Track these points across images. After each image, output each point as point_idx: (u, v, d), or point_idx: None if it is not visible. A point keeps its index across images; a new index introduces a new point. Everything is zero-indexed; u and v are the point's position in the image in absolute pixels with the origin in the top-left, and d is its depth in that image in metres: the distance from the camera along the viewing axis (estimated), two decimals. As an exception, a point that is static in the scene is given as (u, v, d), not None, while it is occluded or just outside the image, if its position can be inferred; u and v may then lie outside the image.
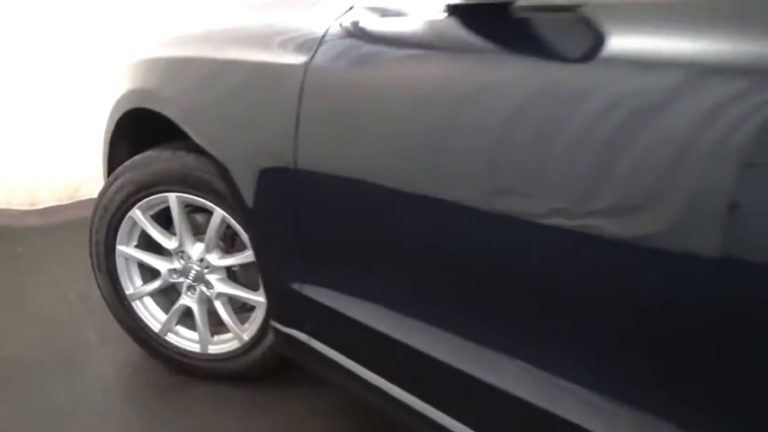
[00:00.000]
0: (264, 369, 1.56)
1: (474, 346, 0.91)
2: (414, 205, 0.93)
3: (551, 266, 0.78)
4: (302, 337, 1.23)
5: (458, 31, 0.89)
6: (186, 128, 1.32)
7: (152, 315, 1.62)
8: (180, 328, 1.61)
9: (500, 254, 0.84)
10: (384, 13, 1.01)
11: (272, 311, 1.29)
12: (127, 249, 1.56)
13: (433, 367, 0.96)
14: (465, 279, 0.90)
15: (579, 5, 0.76)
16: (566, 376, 0.79)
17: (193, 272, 1.52)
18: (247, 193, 1.20)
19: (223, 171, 1.24)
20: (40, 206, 2.76)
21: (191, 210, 1.52)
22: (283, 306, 1.25)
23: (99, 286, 1.63)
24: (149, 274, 1.60)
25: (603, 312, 0.74)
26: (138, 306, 1.62)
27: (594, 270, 0.74)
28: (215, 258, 1.49)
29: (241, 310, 1.57)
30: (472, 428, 0.93)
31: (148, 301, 1.62)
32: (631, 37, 0.72)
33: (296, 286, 1.18)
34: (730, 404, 0.65)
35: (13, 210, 2.73)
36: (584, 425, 0.76)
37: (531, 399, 0.83)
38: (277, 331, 1.30)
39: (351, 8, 1.06)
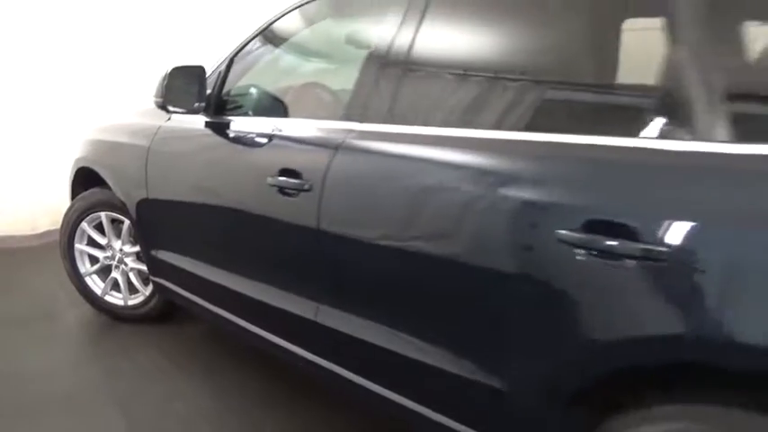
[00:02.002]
0: (160, 312, 2.72)
1: (240, 275, 2.00)
2: (199, 209, 2.08)
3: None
4: (162, 281, 2.40)
5: (206, 128, 2.07)
6: (105, 178, 2.51)
7: (96, 285, 2.78)
8: (113, 292, 2.77)
9: (232, 228, 1.99)
10: (179, 123, 2.21)
11: (148, 269, 2.46)
12: (80, 246, 2.73)
13: (224, 290, 2.05)
14: (228, 242, 2.04)
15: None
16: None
17: (117, 257, 2.70)
18: (132, 210, 2.38)
19: (121, 200, 2.42)
20: (39, 231, 3.93)
21: (119, 222, 2.70)
22: (151, 265, 2.42)
23: (66, 270, 2.81)
24: (94, 260, 2.77)
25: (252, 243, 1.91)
26: (88, 280, 2.78)
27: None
28: (128, 248, 2.66)
29: (147, 280, 2.72)
30: (269, 332, 1.92)
31: (94, 276, 2.78)
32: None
33: (153, 253, 2.35)
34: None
35: (18, 235, 3.89)
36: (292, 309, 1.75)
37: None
38: (152, 281, 2.47)
39: (169, 118, 2.25)
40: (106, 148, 2.54)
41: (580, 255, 1.07)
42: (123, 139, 2.43)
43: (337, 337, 1.60)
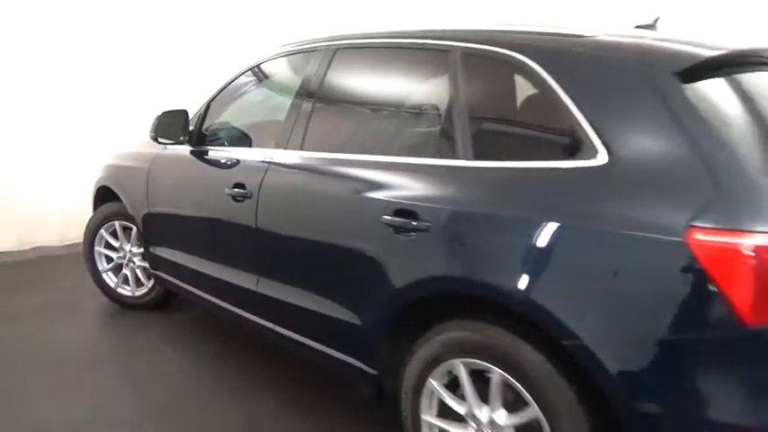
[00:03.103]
0: (160, 301, 3.41)
1: (209, 262, 2.69)
2: (183, 214, 2.78)
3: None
4: (159, 272, 3.09)
5: (190, 155, 2.77)
6: (119, 194, 3.23)
7: (111, 280, 3.49)
8: (123, 285, 3.48)
9: (204, 228, 2.68)
10: (171, 152, 2.92)
11: (149, 264, 3.15)
12: (98, 248, 3.45)
13: (200, 274, 2.73)
14: (205, 239, 2.72)
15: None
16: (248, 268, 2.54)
17: (127, 257, 3.41)
18: (138, 220, 3.09)
19: (129, 210, 3.14)
20: (67, 243, 4.70)
21: (129, 229, 3.41)
22: (150, 259, 3.11)
23: (87, 268, 3.52)
24: (109, 259, 3.48)
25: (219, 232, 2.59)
26: (105, 276, 3.49)
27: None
28: (136, 249, 3.37)
29: (150, 275, 3.42)
30: (229, 303, 2.61)
31: (109, 273, 3.50)
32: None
33: (151, 249, 3.05)
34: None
35: (51, 245, 4.67)
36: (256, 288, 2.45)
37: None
38: (152, 273, 3.16)
39: (165, 148, 2.97)
40: (119, 171, 3.28)
41: (393, 231, 1.72)
42: (131, 163, 3.16)
43: (268, 300, 2.26)
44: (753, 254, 1.16)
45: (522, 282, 1.43)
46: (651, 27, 1.92)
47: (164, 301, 3.43)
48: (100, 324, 3.39)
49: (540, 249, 1.42)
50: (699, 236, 1.20)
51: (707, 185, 1.25)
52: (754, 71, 1.51)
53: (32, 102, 4.49)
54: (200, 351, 2.95)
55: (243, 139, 2.75)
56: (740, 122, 1.40)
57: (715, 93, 1.42)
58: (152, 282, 3.35)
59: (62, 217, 4.69)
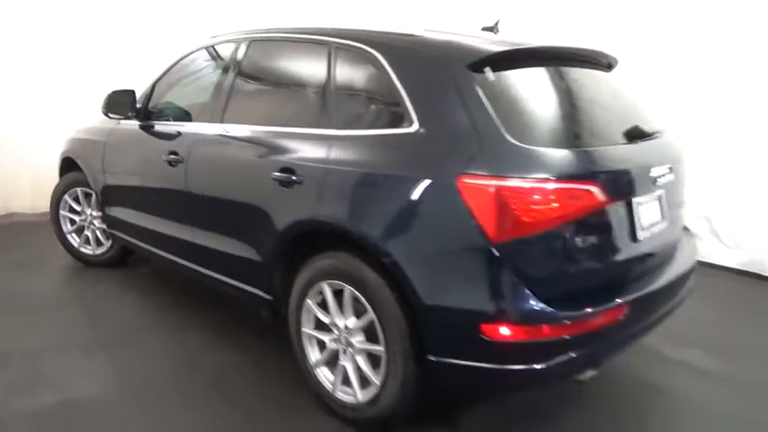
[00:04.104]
0: (118, 259, 3.88)
1: (152, 217, 3.18)
2: (132, 179, 3.26)
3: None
4: (114, 231, 3.57)
5: (139, 129, 3.23)
6: (80, 164, 3.69)
7: (75, 240, 3.96)
8: (86, 245, 3.94)
9: (147, 190, 3.16)
10: (124, 126, 3.38)
11: (105, 224, 3.63)
12: (63, 212, 3.91)
13: (144, 229, 3.23)
14: (149, 200, 3.19)
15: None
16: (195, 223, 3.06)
17: (88, 219, 3.87)
18: (96, 187, 3.55)
19: (89, 180, 3.60)
20: (39, 211, 5.13)
21: (90, 195, 3.87)
22: (107, 220, 3.58)
23: (54, 231, 3.98)
24: (73, 222, 3.94)
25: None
26: (69, 237, 3.95)
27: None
28: (95, 213, 3.83)
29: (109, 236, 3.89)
30: (169, 253, 3.11)
31: (73, 234, 3.96)
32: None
33: (106, 210, 3.52)
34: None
35: (23, 212, 5.13)
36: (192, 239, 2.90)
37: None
38: (108, 232, 3.64)
39: (119, 123, 3.43)
40: (80, 144, 3.74)
41: (278, 184, 2.22)
42: (90, 137, 3.62)
43: (197, 248, 2.75)
44: (494, 191, 1.67)
45: (357, 218, 1.95)
46: (493, 29, 2.40)
47: (121, 260, 3.92)
48: (65, 278, 3.87)
49: (372, 194, 1.93)
50: (464, 179, 1.72)
51: (474, 145, 1.76)
52: (538, 64, 2.02)
53: (3, 81, 4.91)
54: (152, 299, 3.44)
55: (182, 115, 3.22)
56: (514, 101, 1.91)
57: (502, 80, 1.92)
58: (110, 242, 3.82)
59: (33, 187, 5.14)
